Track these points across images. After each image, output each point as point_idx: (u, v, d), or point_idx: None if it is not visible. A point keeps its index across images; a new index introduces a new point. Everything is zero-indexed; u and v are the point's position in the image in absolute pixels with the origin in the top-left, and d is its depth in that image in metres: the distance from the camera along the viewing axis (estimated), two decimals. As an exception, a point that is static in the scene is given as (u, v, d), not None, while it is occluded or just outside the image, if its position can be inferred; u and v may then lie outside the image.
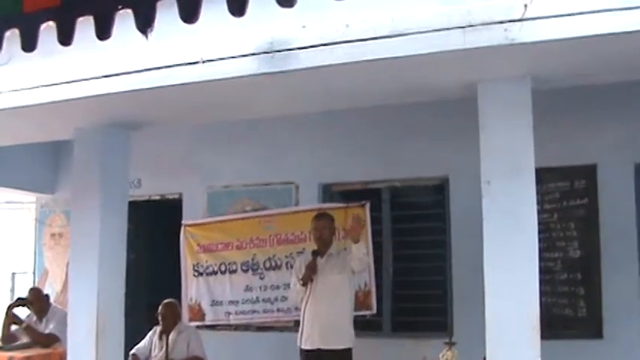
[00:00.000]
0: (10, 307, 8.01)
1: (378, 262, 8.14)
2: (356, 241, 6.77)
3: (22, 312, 8.08)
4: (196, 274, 9.02)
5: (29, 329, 7.72)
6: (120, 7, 4.37)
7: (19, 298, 8.25)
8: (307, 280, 6.90)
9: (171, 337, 7.54)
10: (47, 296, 8.24)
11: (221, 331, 8.87)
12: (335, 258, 6.99)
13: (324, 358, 6.86)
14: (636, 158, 7.27)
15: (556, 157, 7.06)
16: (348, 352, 6.89)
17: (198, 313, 8.96)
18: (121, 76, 4.47)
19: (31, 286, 9.41)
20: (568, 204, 7.40)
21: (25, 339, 7.75)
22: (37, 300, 8.04)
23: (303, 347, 6.98)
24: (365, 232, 7.84)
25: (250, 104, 5.22)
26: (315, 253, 7.01)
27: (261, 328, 8.75)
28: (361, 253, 6.85)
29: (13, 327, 7.92)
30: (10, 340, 7.75)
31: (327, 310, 6.84)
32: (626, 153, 7.22)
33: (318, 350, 6.86)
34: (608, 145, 7.29)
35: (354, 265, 6.88)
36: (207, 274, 8.98)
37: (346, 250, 7.48)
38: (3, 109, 4.89)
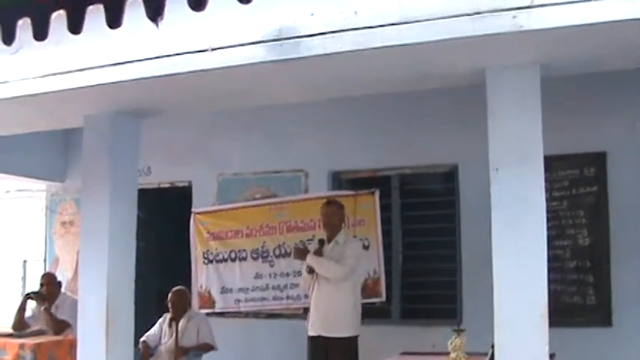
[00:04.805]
0: (27, 296, 8.10)
1: (388, 249, 8.16)
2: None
3: (30, 304, 8.13)
4: (206, 261, 9.03)
5: (47, 312, 7.77)
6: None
7: (33, 292, 8.28)
8: (312, 268, 6.92)
9: (180, 324, 7.58)
10: (60, 283, 8.29)
11: (231, 318, 8.90)
12: (340, 246, 7.00)
13: (329, 346, 6.88)
14: (646, 146, 7.24)
15: (565, 144, 7.03)
16: (351, 340, 6.90)
17: (208, 301, 8.98)
18: (130, 64, 4.48)
19: (43, 272, 9.45)
20: (577, 192, 7.39)
21: (36, 326, 7.80)
22: (49, 284, 8.11)
23: (308, 334, 7.01)
24: (376, 228, 7.95)
25: (259, 92, 5.22)
26: (321, 242, 7.03)
27: (271, 315, 8.77)
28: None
29: (29, 312, 8.01)
30: (21, 327, 7.80)
31: (329, 297, 6.86)
32: (636, 141, 7.17)
33: (320, 337, 6.89)
34: (617, 132, 7.26)
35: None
36: (217, 262, 8.99)
37: (355, 238, 7.52)
38: (13, 98, 4.91)
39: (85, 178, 5.91)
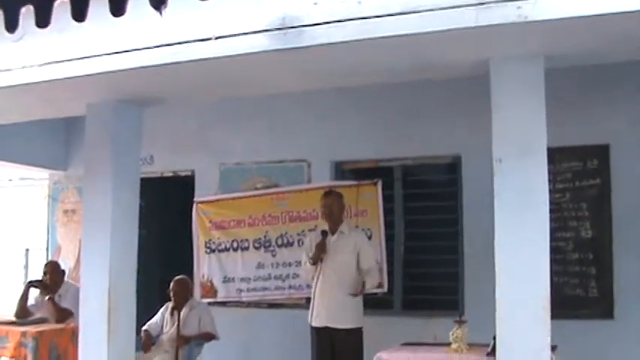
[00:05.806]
0: (30, 285, 8.10)
1: (390, 240, 8.15)
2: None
3: (32, 292, 8.14)
4: (208, 250, 9.04)
5: (51, 301, 7.77)
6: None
7: (36, 280, 8.29)
8: (317, 259, 6.90)
9: (182, 313, 7.57)
10: (63, 271, 8.30)
11: (232, 307, 8.89)
12: (346, 237, 7.00)
13: (334, 337, 6.88)
14: (649, 138, 7.22)
15: (568, 136, 7.01)
16: (357, 331, 6.91)
17: (210, 290, 8.99)
18: (133, 53, 4.48)
19: (47, 261, 9.49)
20: (580, 184, 7.37)
21: (39, 314, 7.81)
22: (53, 272, 8.12)
23: (312, 324, 7.00)
24: (378, 219, 7.96)
25: (263, 81, 5.21)
26: (324, 233, 7.01)
27: (273, 305, 8.77)
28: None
29: (31, 300, 8.02)
30: (23, 315, 7.81)
31: (335, 288, 6.86)
32: (639, 133, 7.17)
33: (326, 328, 6.89)
34: (621, 125, 7.23)
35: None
36: (220, 251, 8.99)
37: (358, 229, 7.51)
38: (15, 86, 4.91)
39: (88, 166, 5.91)
